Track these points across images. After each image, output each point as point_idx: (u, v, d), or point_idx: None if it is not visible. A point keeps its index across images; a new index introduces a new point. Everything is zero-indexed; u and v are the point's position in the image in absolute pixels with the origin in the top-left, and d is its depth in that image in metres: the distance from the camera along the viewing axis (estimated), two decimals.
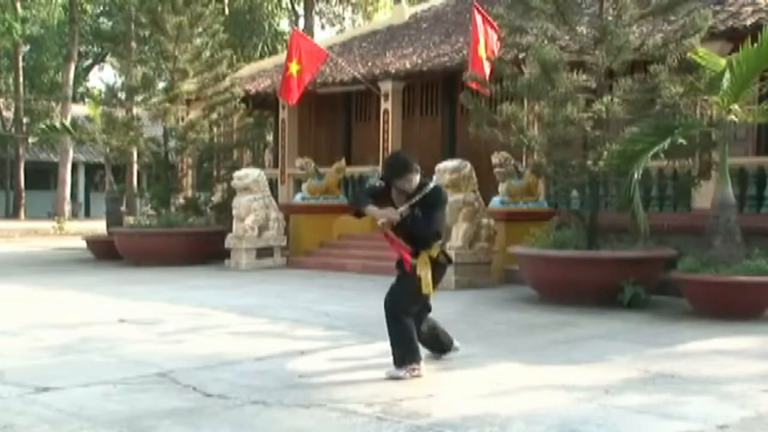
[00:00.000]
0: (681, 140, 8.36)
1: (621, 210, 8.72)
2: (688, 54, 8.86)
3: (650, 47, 9.36)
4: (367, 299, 9.44)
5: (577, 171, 9.64)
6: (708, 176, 9.60)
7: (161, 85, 15.78)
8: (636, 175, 8.20)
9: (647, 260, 9.16)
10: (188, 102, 16.28)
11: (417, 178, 5.44)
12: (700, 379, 5.49)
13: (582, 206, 10.35)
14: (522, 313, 8.55)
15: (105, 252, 14.91)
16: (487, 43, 11.94)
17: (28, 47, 35.83)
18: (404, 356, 5.41)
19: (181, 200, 15.60)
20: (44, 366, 5.79)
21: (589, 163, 9.35)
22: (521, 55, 10.82)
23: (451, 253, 10.58)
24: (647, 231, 8.50)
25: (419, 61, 14.79)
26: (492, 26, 11.90)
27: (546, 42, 9.63)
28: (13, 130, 34.62)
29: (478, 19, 11.99)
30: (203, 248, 14.06)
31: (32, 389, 5.05)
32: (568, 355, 6.37)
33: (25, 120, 34.06)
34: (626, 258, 9.05)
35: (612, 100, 9.23)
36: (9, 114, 35.86)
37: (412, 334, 5.48)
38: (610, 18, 9.54)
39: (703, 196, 9.79)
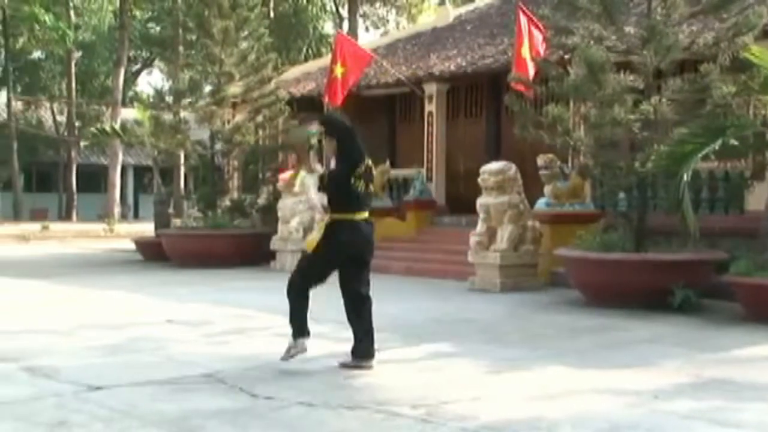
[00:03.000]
0: (732, 141, 8.18)
1: (670, 212, 8.56)
2: (741, 52, 8.66)
3: (701, 46, 9.17)
4: (410, 301, 9.44)
5: (625, 173, 9.49)
6: (761, 178, 9.37)
7: (208, 88, 15.98)
8: (685, 177, 8.04)
9: (697, 263, 8.97)
10: (234, 105, 16.44)
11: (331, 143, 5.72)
12: (755, 385, 5.35)
13: (629, 208, 10.19)
14: (568, 316, 8.45)
15: (153, 253, 15.14)
16: (531, 44, 11.83)
17: (80, 53, 36.73)
18: (293, 330, 5.76)
19: (227, 202, 15.76)
20: (96, 365, 5.91)
21: (637, 164, 9.19)
22: (566, 56, 10.70)
23: (496, 255, 10.74)
24: (697, 233, 8.32)
25: (464, 63, 14.73)
26: (537, 27, 11.80)
27: (592, 42, 9.51)
28: (65, 133, 35.55)
29: (523, 20, 11.89)
30: (249, 250, 14.18)
31: (85, 387, 5.16)
32: (616, 358, 6.27)
33: (77, 124, 34.94)
34: (676, 261, 8.88)
35: (660, 100, 9.06)
36: (62, 118, 36.81)
37: (294, 309, 5.74)
38: (658, 17, 9.37)
39: (757, 198, 9.54)
